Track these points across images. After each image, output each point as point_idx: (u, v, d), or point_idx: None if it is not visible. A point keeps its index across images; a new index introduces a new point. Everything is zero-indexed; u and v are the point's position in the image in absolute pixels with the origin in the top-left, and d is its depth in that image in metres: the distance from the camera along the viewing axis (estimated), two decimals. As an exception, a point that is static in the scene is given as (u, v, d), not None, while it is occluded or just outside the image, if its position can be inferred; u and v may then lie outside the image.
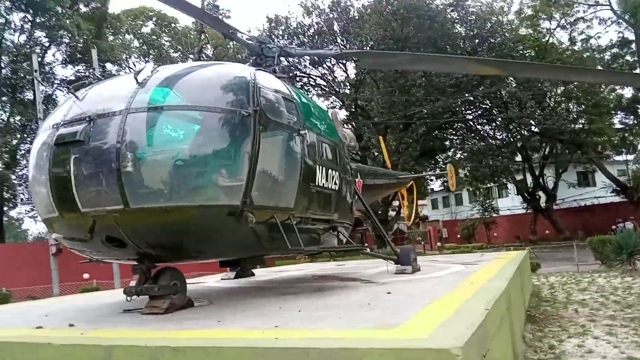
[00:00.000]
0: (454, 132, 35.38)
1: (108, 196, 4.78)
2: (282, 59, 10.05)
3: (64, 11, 32.42)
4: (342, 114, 38.11)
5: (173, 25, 46.97)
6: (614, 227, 27.01)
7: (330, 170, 6.95)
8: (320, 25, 33.01)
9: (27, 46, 31.82)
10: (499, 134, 36.49)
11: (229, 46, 36.91)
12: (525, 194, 43.48)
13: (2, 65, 32.06)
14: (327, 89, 36.31)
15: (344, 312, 4.65)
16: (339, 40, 32.69)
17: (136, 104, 5.00)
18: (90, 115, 5.06)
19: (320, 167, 6.61)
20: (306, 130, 6.22)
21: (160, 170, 4.83)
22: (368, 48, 30.41)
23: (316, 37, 32.53)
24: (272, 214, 5.64)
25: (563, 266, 21.02)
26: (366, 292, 6.19)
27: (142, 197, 4.79)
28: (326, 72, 36.93)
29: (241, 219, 5.20)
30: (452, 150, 34.66)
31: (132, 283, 5.38)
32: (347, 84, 35.69)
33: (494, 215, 50.37)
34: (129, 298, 5.34)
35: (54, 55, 35.94)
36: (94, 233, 5.05)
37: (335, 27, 32.17)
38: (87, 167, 4.84)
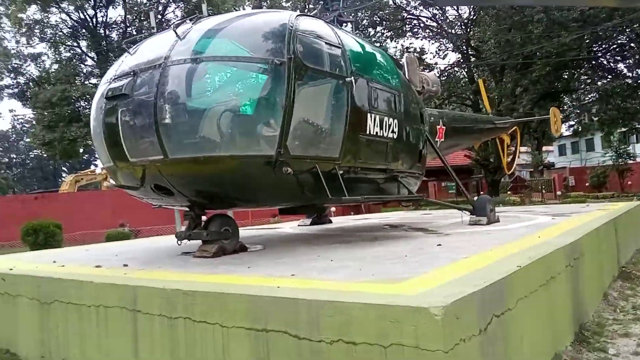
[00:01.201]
0: (581, 72, 31.86)
1: (150, 147, 5.06)
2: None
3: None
4: (453, 56, 36.24)
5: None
6: None
7: (388, 118, 6.70)
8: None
9: (149, 4, 33.93)
10: (635, 72, 32.25)
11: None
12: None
13: (128, 24, 34.62)
14: (436, 30, 34.47)
15: (370, 264, 4.57)
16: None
17: (172, 57, 5.16)
18: (135, 70, 5.33)
19: (374, 115, 6.39)
20: (355, 77, 6.00)
21: (193, 122, 4.99)
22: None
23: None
24: (313, 163, 5.61)
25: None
26: (415, 243, 6.01)
27: (178, 148, 5.01)
28: (437, 12, 35.00)
29: (277, 168, 5.23)
30: (580, 91, 31.36)
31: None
32: (460, 23, 33.54)
33: (630, 161, 45.60)
34: (179, 242, 5.71)
35: (173, 12, 38.09)
36: (144, 181, 5.40)
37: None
38: (131, 119, 5.14)
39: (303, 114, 5.45)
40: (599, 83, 28.45)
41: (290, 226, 9.92)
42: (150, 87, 5.08)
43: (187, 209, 5.83)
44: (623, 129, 34.83)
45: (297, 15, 5.82)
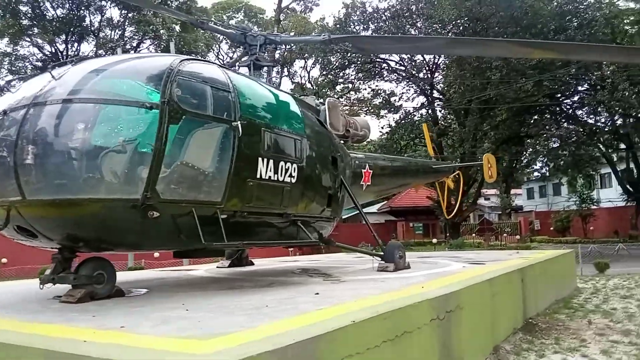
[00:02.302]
0: (543, 118, 32.63)
1: (9, 187, 4.94)
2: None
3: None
4: (420, 99, 37.00)
5: (260, 15, 48.19)
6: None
7: (285, 163, 6.69)
8: (396, 8, 31.98)
9: (121, 41, 34.18)
10: (591, 118, 33.20)
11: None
12: (627, 185, 39.36)
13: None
14: (403, 74, 35.26)
15: (221, 315, 4.50)
16: (419, 24, 31.42)
17: (39, 97, 5.11)
18: (6, 109, 5.26)
19: (267, 160, 6.38)
20: (243, 122, 5.99)
21: (52, 162, 4.89)
22: (445, 31, 29.03)
23: (390, 21, 31.54)
24: (189, 207, 5.53)
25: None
26: (296, 291, 5.95)
27: (36, 189, 4.90)
28: (405, 56, 35.82)
29: (144, 212, 5.14)
30: (541, 137, 32.05)
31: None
32: (425, 68, 34.37)
33: (593, 207, 46.43)
34: (41, 286, 5.53)
35: (147, 48, 38.32)
36: (8, 222, 5.25)
37: (413, 9, 30.90)
38: None
39: (178, 157, 5.40)
40: (555, 130, 29.06)
41: (207, 268, 9.74)
42: (14, 126, 5.00)
43: (56, 250, 5.67)
44: (578, 175, 35.43)
45: (182, 60, 5.82)
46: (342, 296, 5.54)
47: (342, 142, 9.89)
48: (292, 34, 41.36)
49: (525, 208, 64.80)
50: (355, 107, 43.25)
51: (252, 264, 10.37)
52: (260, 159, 6.26)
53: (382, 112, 39.50)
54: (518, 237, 37.02)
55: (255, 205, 6.31)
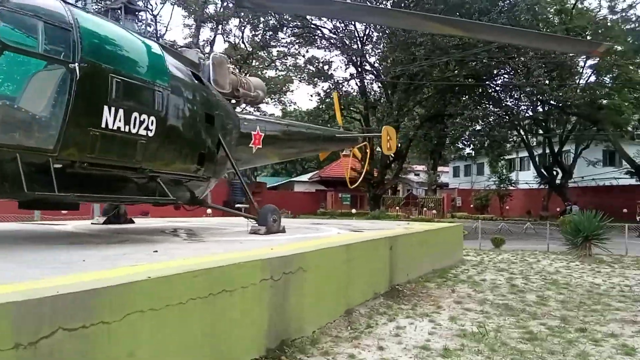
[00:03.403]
0: (466, 98, 33.45)
1: None
2: None
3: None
4: (351, 70, 36.84)
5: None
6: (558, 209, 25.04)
7: (140, 115, 6.33)
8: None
9: None
10: (513, 103, 34.41)
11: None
12: (542, 169, 41.43)
13: None
14: (334, 43, 34.94)
15: (20, 268, 4.21)
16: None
17: None
18: None
19: (116, 109, 5.99)
20: (84, 64, 5.57)
21: None
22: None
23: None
24: (12, 153, 5.11)
25: (536, 245, 19.88)
26: (134, 250, 5.70)
27: None
28: (339, 24, 35.44)
29: None
30: (462, 115, 32.89)
31: None
32: (356, 38, 34.18)
33: (511, 188, 48.77)
34: None
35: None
36: None
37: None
38: None
39: (-3, 96, 4.96)
40: (473, 111, 29.86)
41: (78, 224, 9.29)
42: None
43: None
44: (491, 156, 36.89)
45: None
46: (180, 255, 5.37)
47: (230, 101, 9.62)
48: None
49: (450, 185, 67.18)
50: (290, 74, 42.74)
51: (132, 221, 10.00)
52: (106, 107, 5.87)
53: (316, 81, 39.20)
54: (434, 212, 38.22)
55: (99, 157, 5.95)
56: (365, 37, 33.91)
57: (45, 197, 5.49)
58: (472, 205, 49.63)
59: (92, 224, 9.49)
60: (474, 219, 39.34)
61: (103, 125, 5.88)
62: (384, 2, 30.24)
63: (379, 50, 31.90)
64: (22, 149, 5.20)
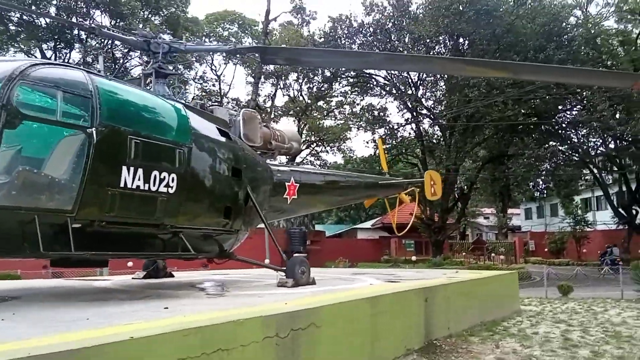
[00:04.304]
0: (525, 138, 32.31)
1: None
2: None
3: (140, 13, 34.85)
4: (407, 115, 36.79)
5: (255, 27, 48.37)
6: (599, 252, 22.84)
7: (160, 173, 6.52)
8: (380, 23, 32.02)
9: (106, 49, 34.39)
10: (582, 139, 32.80)
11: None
12: (620, 209, 38.78)
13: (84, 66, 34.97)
14: (389, 90, 35.19)
15: (21, 326, 4.32)
16: (393, 38, 31.42)
17: None
18: None
19: (135, 168, 6.20)
20: (102, 128, 5.85)
21: None
22: (425, 47, 28.97)
23: (372, 36, 31.57)
24: (30, 215, 5.37)
25: (612, 292, 18.34)
26: (145, 306, 5.75)
27: None
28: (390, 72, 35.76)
29: None
30: (527, 154, 31.66)
31: None
32: (410, 83, 34.28)
33: (588, 229, 45.81)
34: None
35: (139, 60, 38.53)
36: None
37: (389, 25, 30.96)
38: None
39: (17, 162, 5.28)
40: (536, 150, 28.65)
41: (119, 279, 9.57)
42: None
43: None
44: (560, 196, 34.97)
45: (33, 64, 5.71)
46: (189, 311, 5.34)
47: (264, 154, 9.79)
48: (284, 45, 41.57)
49: (523, 228, 64.10)
50: (349, 122, 43.28)
51: (172, 275, 10.19)
52: (124, 167, 6.09)
53: (374, 128, 39.39)
54: (502, 257, 36.39)
55: (118, 215, 6.13)
56: (419, 82, 33.93)
57: (63, 255, 5.70)
58: (546, 249, 46.97)
59: (132, 278, 9.75)
60: (548, 264, 37.14)
61: (122, 185, 6.08)
62: (437, 49, 30.30)
63: (433, 94, 31.66)
64: (40, 211, 5.45)
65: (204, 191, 7.38)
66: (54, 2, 34.38)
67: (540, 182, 31.80)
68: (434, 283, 8.78)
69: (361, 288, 7.97)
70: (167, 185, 6.63)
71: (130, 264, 24.03)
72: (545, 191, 34.01)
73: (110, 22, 35.88)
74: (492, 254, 40.22)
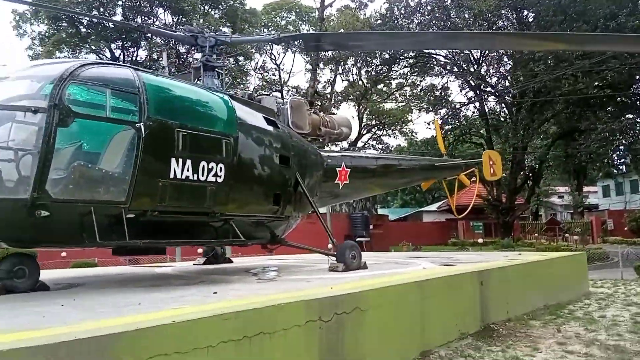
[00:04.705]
0: (598, 111, 30.38)
1: None
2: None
3: (200, 8, 35.80)
4: (470, 94, 35.62)
5: (312, 14, 48.40)
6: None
7: (208, 163, 6.72)
8: (438, 1, 31.11)
9: (170, 46, 35.56)
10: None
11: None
12: None
13: (150, 63, 36.42)
14: (449, 69, 34.20)
15: (77, 312, 4.62)
16: (452, 15, 30.41)
17: None
18: None
19: (184, 160, 6.43)
20: (150, 123, 6.09)
21: None
22: (485, 22, 27.84)
23: (430, 14, 30.73)
24: (87, 207, 5.69)
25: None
26: (196, 291, 5.97)
27: None
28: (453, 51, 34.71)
29: (33, 211, 5.36)
30: (600, 128, 29.85)
31: None
32: (471, 60, 33.12)
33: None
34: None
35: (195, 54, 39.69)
36: None
37: (448, 2, 29.98)
38: None
39: (72, 158, 5.60)
40: (610, 125, 26.90)
41: (180, 266, 9.99)
42: None
43: None
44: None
45: (82, 65, 6.01)
46: (236, 295, 5.52)
47: (314, 140, 9.85)
48: (341, 30, 41.34)
49: (601, 206, 60.73)
50: (410, 104, 42.60)
51: (230, 261, 10.52)
52: (173, 158, 6.32)
53: (436, 108, 38.52)
54: (576, 237, 34.64)
55: (169, 205, 6.38)
56: (481, 58, 32.73)
57: (119, 244, 6.03)
58: (626, 228, 44.29)
59: (193, 264, 10.15)
60: (628, 244, 35.06)
61: (171, 176, 6.32)
62: (499, 24, 29.06)
63: (497, 71, 30.44)
64: (96, 203, 5.77)
65: (252, 179, 7.54)
66: (120, 3, 35.93)
67: (616, 158, 29.87)
68: (491, 266, 8.54)
69: (411, 272, 7.88)
70: (216, 175, 6.82)
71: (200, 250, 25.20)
72: (623, 167, 31.88)
73: (173, 19, 37.15)
74: (566, 235, 38.48)
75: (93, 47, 36.49)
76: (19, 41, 59.16)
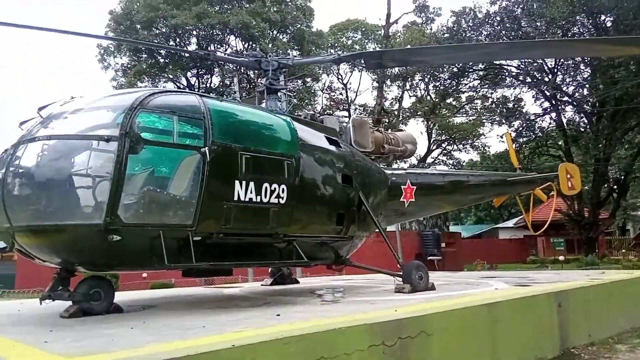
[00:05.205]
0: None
1: (2, 215, 5.76)
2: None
3: (268, 33, 36.87)
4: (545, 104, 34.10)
5: (378, 32, 48.55)
6: None
7: (271, 185, 6.81)
8: (507, 11, 30.22)
9: (238, 72, 36.82)
10: None
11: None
12: None
13: (223, 89, 37.87)
14: (521, 79, 32.97)
15: (144, 335, 4.75)
16: (523, 24, 29.37)
17: (24, 136, 5.92)
18: (7, 146, 6.16)
19: (247, 182, 6.55)
20: (214, 147, 6.27)
21: (25, 194, 5.63)
22: (559, 30, 26.68)
23: (499, 25, 29.86)
24: (156, 231, 5.91)
25: None
26: (262, 313, 6.00)
27: (18, 216, 5.64)
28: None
29: (107, 235, 5.63)
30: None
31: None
32: (546, 70, 31.78)
33: None
34: (41, 302, 6.26)
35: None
36: (12, 245, 6.10)
37: (518, 11, 29.01)
38: None
39: (142, 184, 5.86)
40: None
41: (248, 286, 10.12)
42: (4, 162, 5.84)
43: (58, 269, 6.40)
44: None
45: (151, 93, 6.28)
46: (299, 318, 5.49)
47: (379, 158, 9.78)
48: (408, 46, 41.02)
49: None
50: (482, 117, 41.47)
51: (297, 282, 10.55)
52: (237, 181, 6.45)
53: (509, 121, 37.20)
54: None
55: (234, 227, 6.50)
56: (556, 67, 31.33)
57: (186, 267, 6.22)
58: None
59: (261, 285, 10.27)
60: None
61: (236, 198, 6.45)
62: (574, 30, 27.76)
63: (573, 79, 29.00)
64: (164, 227, 5.98)
65: (315, 200, 7.55)
66: (194, 33, 37.71)
67: None
68: (570, 286, 8.02)
69: (481, 293, 7.53)
70: (278, 196, 6.89)
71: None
72: None
73: (243, 45, 38.47)
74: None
75: (170, 76, 38.44)
76: (104, 73, 63.19)
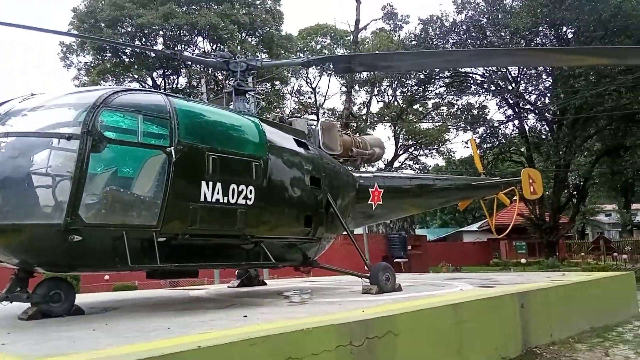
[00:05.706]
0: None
1: None
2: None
3: (237, 35, 36.61)
4: (508, 112, 34.91)
5: (346, 37, 48.82)
6: None
7: (238, 186, 6.74)
8: (473, 20, 30.88)
9: (208, 73, 36.43)
10: None
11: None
12: None
13: (189, 90, 37.40)
14: (486, 87, 33.72)
15: (106, 336, 4.64)
16: (488, 34, 30.06)
17: None
18: None
19: (214, 183, 6.47)
20: (180, 147, 6.16)
21: None
22: (522, 40, 27.39)
23: (465, 34, 30.47)
24: (119, 231, 5.76)
25: None
26: (225, 315, 5.93)
27: None
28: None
29: (67, 236, 5.45)
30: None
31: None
32: (509, 78, 32.57)
33: None
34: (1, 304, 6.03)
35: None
36: None
37: (483, 21, 29.69)
38: None
39: (104, 184, 5.71)
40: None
41: (214, 288, 9.99)
42: None
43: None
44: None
45: (115, 92, 6.14)
46: (266, 319, 5.44)
47: (346, 161, 9.81)
48: (376, 51, 41.32)
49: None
50: (447, 123, 42.14)
51: (264, 284, 10.48)
52: (203, 182, 6.36)
53: (474, 127, 37.93)
54: (625, 256, 33.04)
55: (200, 228, 6.40)
56: (519, 76, 32.14)
57: (150, 268, 6.08)
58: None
59: (228, 287, 10.15)
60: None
61: (202, 199, 6.36)
62: (537, 41, 28.53)
63: (535, 88, 29.81)
64: (128, 227, 5.84)
65: (283, 201, 7.52)
66: (161, 33, 37.13)
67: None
68: (532, 287, 8.22)
69: (447, 294, 7.64)
70: (246, 197, 6.83)
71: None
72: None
73: (211, 46, 38.08)
74: (615, 254, 36.83)
75: (136, 76, 37.70)
76: (67, 72, 61.64)
